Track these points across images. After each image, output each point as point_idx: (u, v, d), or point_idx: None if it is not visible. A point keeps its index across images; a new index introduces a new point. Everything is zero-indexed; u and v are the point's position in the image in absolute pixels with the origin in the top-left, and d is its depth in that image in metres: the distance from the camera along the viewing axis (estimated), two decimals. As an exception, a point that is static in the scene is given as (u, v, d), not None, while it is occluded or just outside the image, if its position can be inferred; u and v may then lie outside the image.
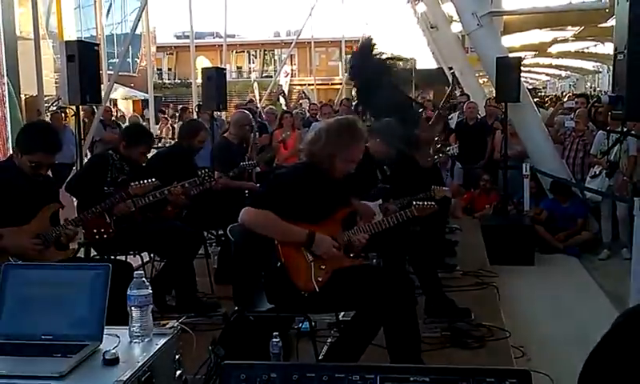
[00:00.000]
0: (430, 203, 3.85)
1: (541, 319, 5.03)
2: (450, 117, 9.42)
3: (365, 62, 5.42)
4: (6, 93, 6.04)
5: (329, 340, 3.83)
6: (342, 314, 3.81)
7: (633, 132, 6.34)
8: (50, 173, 3.71)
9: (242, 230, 3.21)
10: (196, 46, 18.62)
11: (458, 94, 14.07)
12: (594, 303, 5.53)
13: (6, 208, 3.37)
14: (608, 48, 24.18)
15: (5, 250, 3.30)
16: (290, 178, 3.23)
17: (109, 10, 29.43)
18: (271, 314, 3.20)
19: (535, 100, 9.87)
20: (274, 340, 2.75)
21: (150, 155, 5.06)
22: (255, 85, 24.41)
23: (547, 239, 7.22)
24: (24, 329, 2.11)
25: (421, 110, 5.55)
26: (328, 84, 34.64)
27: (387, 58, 5.32)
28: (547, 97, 20.00)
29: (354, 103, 9.60)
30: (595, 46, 25.43)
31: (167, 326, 2.22)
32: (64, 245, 3.64)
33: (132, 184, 4.12)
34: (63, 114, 9.98)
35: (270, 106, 12.67)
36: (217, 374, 2.91)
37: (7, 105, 6.00)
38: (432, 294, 4.30)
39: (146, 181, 4.15)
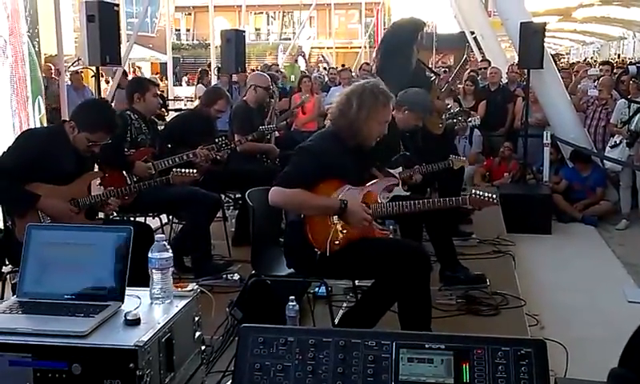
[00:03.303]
0: (489, 195, 3.41)
1: (556, 288, 5.03)
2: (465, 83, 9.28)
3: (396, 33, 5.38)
4: (26, 52, 6.06)
5: (344, 305, 3.88)
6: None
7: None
8: None
9: (261, 195, 3.22)
10: (214, 7, 18.46)
11: (479, 59, 13.86)
12: (611, 273, 5.51)
13: (49, 174, 3.43)
14: (634, 13, 23.59)
15: (40, 210, 3.38)
16: (316, 148, 3.15)
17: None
18: (288, 279, 3.24)
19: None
20: (291, 303, 2.78)
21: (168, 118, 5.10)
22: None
23: (565, 209, 7.18)
24: (47, 289, 2.16)
25: (433, 78, 5.47)
26: (347, 47, 34.31)
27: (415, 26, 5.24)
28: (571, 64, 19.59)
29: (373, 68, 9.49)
30: (622, 9, 24.77)
31: (187, 288, 2.26)
32: (93, 213, 3.71)
33: (175, 171, 4.18)
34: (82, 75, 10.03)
35: (283, 70, 12.56)
36: (234, 335, 2.97)
37: (27, 64, 6.03)
38: (447, 261, 4.32)
39: (187, 170, 4.20)
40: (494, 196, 3.43)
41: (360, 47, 29.52)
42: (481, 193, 3.42)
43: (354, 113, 3.10)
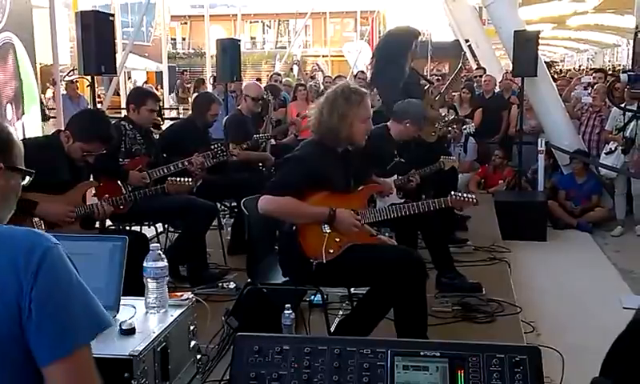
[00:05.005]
0: (469, 197, 3.70)
1: (552, 295, 5.04)
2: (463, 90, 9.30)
3: (389, 42, 5.43)
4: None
5: (340, 313, 3.88)
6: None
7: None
8: None
9: (256, 203, 3.23)
10: (210, 16, 18.51)
11: (474, 67, 13.91)
12: (606, 280, 5.52)
13: (44, 184, 3.42)
14: (627, 20, 23.70)
15: (39, 216, 3.37)
16: (302, 156, 3.20)
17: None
18: (283, 287, 3.24)
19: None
20: (287, 312, 2.78)
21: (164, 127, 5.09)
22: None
23: (560, 216, 7.19)
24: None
25: (427, 86, 5.49)
26: (342, 55, 34.42)
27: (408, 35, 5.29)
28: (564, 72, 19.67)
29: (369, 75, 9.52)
30: (616, 17, 24.90)
31: (182, 297, 2.25)
32: (89, 223, 3.70)
33: (169, 179, 4.19)
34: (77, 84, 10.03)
35: (287, 79, 12.61)
36: (230, 344, 2.96)
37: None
38: (443, 268, 4.32)
39: (182, 179, 4.21)
40: (473, 197, 3.73)
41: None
42: (460, 194, 3.73)
43: (327, 119, 3.16)
